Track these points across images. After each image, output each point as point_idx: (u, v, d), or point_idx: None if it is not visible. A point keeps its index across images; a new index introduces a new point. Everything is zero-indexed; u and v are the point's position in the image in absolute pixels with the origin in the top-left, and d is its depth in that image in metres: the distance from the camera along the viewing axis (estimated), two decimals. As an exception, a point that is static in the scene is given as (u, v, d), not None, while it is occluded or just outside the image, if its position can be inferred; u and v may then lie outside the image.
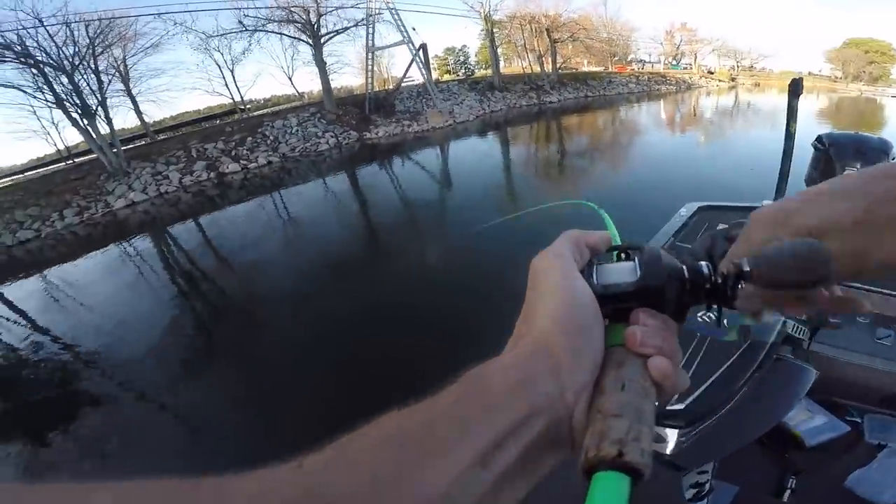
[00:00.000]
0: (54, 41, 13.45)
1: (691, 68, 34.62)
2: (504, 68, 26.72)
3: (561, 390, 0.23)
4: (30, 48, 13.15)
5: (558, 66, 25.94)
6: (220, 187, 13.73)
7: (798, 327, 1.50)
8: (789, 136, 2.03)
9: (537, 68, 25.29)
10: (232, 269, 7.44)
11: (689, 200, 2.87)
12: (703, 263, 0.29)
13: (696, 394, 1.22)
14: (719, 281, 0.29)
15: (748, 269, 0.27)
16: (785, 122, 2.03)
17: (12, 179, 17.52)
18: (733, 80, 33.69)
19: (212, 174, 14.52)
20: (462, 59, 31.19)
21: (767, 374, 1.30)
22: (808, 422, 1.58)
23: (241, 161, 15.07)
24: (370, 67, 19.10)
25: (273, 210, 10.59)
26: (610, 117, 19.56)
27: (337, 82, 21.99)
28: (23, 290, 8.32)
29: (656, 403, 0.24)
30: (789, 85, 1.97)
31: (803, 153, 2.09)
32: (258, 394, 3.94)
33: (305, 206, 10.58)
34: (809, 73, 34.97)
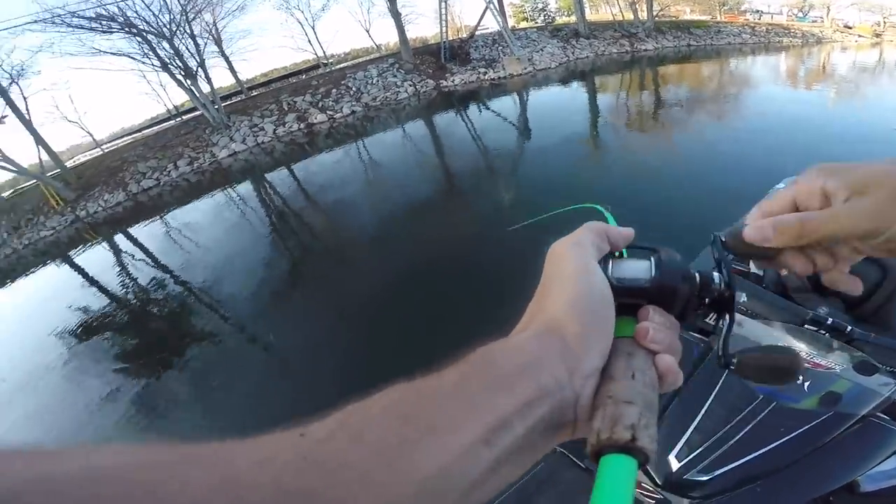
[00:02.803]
0: (150, 10, 14.45)
1: (822, 22, 28.86)
2: (589, 16, 24.29)
3: (570, 374, 0.23)
4: (131, 18, 14.26)
5: (655, 13, 22.95)
6: (310, 136, 14.31)
7: None
8: None
9: (629, 15, 22.58)
10: (320, 210, 7.78)
11: (800, 170, 2.21)
12: (716, 274, 0.32)
13: (727, 468, 0.97)
14: (727, 293, 0.31)
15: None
16: None
17: (132, 137, 19.80)
18: (878, 36, 27.58)
19: (301, 125, 15.16)
20: (541, 6, 28.89)
21: (844, 437, 1.03)
22: (875, 462, 1.25)
23: (328, 112, 15.54)
24: (443, 16, 18.41)
25: (356, 156, 10.80)
26: (717, 68, 16.86)
27: (411, 33, 21.56)
28: (147, 231, 9.35)
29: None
30: None
31: None
32: (339, 324, 4.09)
33: (386, 152, 10.64)
34: None
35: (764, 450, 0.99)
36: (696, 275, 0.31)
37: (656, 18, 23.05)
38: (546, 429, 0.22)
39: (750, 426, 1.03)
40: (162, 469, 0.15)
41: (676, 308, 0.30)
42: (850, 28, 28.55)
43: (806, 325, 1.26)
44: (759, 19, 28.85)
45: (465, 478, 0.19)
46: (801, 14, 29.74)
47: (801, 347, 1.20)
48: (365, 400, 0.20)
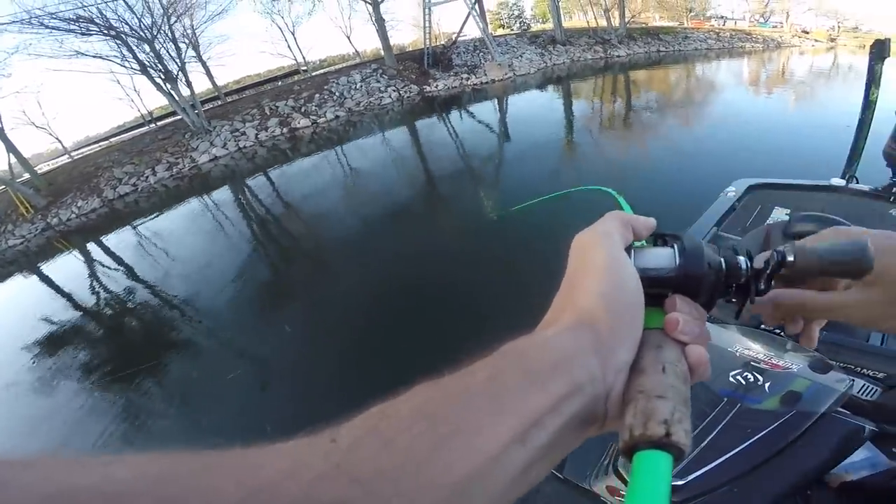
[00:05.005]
0: (133, 12, 14.13)
1: (782, 27, 30.61)
2: (564, 23, 25.08)
3: (602, 369, 0.23)
4: (111, 21, 13.92)
5: (626, 20, 23.91)
6: (292, 141, 14.19)
7: (868, 388, 1.18)
8: (868, 105, 1.80)
9: (603, 22, 23.47)
10: (300, 217, 7.70)
11: (747, 173, 2.47)
12: (742, 258, 0.30)
13: (701, 471, 0.99)
14: (753, 277, 0.30)
15: (791, 258, 0.28)
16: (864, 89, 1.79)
17: (100, 145, 19.14)
18: (832, 40, 29.37)
19: (284, 129, 15.06)
20: (516, 13, 29.64)
21: (810, 434, 1.06)
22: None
23: (311, 116, 15.51)
24: (427, 23, 18.67)
25: (338, 162, 10.77)
26: (684, 73, 17.62)
27: (391, 40, 21.70)
28: (123, 239, 9.03)
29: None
30: (871, 46, 1.74)
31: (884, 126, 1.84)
32: (321, 333, 3.95)
33: (368, 157, 10.64)
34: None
35: (735, 451, 1.01)
36: (722, 260, 0.30)
37: (628, 25, 24.00)
38: (577, 424, 0.22)
39: (718, 429, 1.04)
40: (185, 481, 0.15)
41: (703, 296, 0.29)
42: (807, 33, 30.23)
43: (762, 326, 1.30)
44: (724, 25, 30.35)
45: (500, 479, 0.19)
46: (762, 20, 31.38)
47: (758, 349, 1.22)
48: (392, 401, 0.20)
